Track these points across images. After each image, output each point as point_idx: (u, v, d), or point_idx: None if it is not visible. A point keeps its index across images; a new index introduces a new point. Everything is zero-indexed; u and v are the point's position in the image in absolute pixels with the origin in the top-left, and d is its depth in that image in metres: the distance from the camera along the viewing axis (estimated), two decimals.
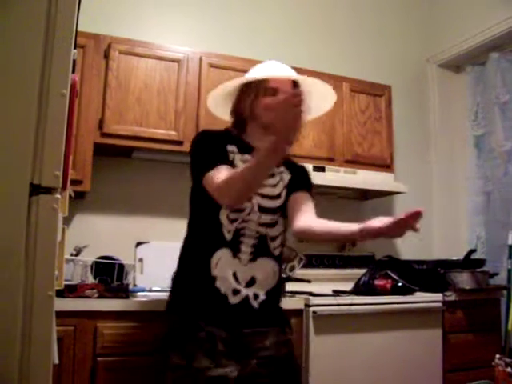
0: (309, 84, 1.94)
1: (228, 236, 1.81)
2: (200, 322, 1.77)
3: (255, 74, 1.92)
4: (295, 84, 1.92)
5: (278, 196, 1.90)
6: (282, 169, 1.95)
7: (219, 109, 2.05)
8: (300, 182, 2.00)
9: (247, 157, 1.86)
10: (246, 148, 1.89)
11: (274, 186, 1.90)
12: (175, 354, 1.76)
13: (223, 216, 1.81)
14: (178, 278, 1.95)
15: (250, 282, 1.81)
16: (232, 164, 1.83)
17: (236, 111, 1.95)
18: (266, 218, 1.86)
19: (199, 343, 1.75)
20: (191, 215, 1.97)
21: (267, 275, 1.85)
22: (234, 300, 1.78)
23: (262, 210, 1.85)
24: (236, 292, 1.78)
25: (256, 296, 1.81)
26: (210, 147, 1.87)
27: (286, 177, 1.95)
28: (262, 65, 1.98)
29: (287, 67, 1.96)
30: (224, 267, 1.79)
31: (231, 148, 1.88)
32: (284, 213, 1.93)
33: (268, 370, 1.79)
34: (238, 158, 1.87)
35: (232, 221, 1.82)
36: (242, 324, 1.80)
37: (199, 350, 1.74)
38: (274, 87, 1.85)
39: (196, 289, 1.84)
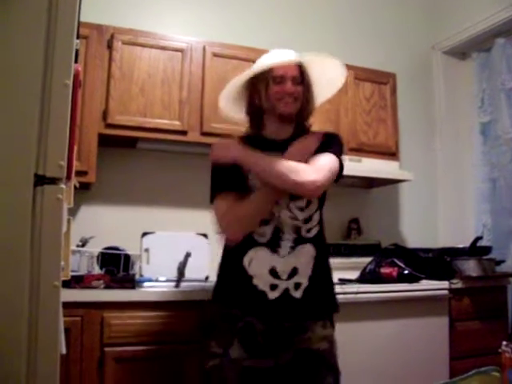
0: (316, 63, 1.92)
1: (263, 238, 1.81)
2: (239, 312, 1.79)
3: (258, 65, 1.91)
4: (301, 67, 1.89)
5: None
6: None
7: (232, 111, 2.06)
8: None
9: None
10: (264, 145, 1.86)
11: None
12: (213, 343, 1.79)
13: None
14: (220, 273, 1.95)
15: (292, 273, 1.80)
16: (247, 177, 1.84)
17: (250, 108, 1.93)
18: (301, 203, 1.84)
19: (237, 333, 1.77)
20: None
21: (307, 260, 1.84)
22: (272, 295, 1.78)
23: (294, 196, 1.83)
24: (274, 287, 1.78)
25: (298, 285, 1.80)
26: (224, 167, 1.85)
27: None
28: (265, 55, 1.97)
29: (291, 52, 1.93)
30: (259, 265, 1.79)
31: None
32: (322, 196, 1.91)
33: (305, 362, 1.79)
34: None
35: (265, 222, 1.81)
36: (281, 318, 1.79)
37: (236, 339, 1.76)
38: (281, 74, 1.84)
39: (235, 286, 1.85)
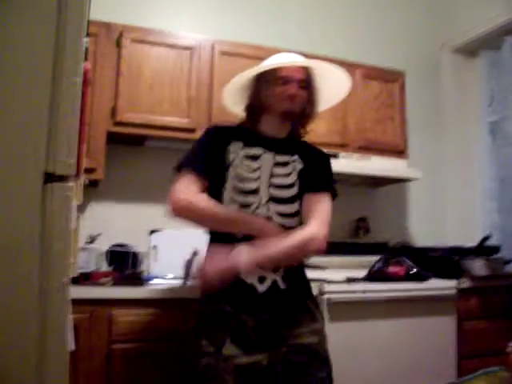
0: (322, 69, 1.94)
1: (238, 234, 1.81)
2: (230, 309, 1.79)
3: (267, 64, 1.94)
4: (307, 72, 1.91)
5: (291, 185, 1.89)
6: (296, 157, 1.93)
7: (234, 105, 2.10)
8: (312, 178, 1.92)
9: (254, 150, 1.88)
10: (255, 141, 1.91)
11: (287, 175, 1.89)
12: (205, 341, 1.78)
13: None
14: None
15: (276, 268, 1.81)
16: (230, 165, 1.86)
17: (252, 103, 1.95)
18: (282, 208, 1.85)
19: (229, 331, 1.77)
20: None
21: None
22: (261, 288, 1.79)
23: (276, 200, 1.85)
24: (262, 279, 1.79)
25: (284, 278, 1.82)
26: (209, 146, 1.91)
27: (299, 166, 1.92)
28: (275, 56, 1.99)
29: (300, 57, 1.96)
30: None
31: (235, 145, 1.90)
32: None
33: (298, 358, 1.79)
34: (241, 155, 1.87)
35: None
36: (273, 311, 1.80)
37: (229, 337, 1.76)
38: (286, 75, 1.86)
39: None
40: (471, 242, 3.25)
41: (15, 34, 1.15)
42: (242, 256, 1.71)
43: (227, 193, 1.85)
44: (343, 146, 3.24)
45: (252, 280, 1.79)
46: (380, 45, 3.86)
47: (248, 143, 1.90)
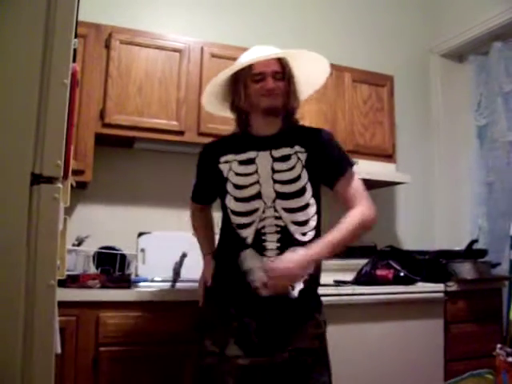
0: (295, 56, 1.90)
1: (248, 240, 1.81)
2: (234, 311, 1.79)
3: (237, 64, 1.89)
4: (282, 62, 1.87)
5: (297, 179, 1.84)
6: (297, 148, 1.87)
7: (217, 109, 2.07)
8: (326, 165, 1.89)
9: (247, 154, 1.86)
10: (246, 145, 1.89)
11: (290, 169, 1.85)
12: (209, 342, 1.78)
13: (235, 226, 1.84)
14: (214, 272, 1.96)
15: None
16: (226, 181, 1.87)
17: (234, 106, 1.92)
18: (289, 203, 1.82)
19: (232, 332, 1.77)
20: (221, 223, 1.98)
21: None
22: (265, 292, 1.75)
23: (282, 196, 1.82)
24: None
25: (293, 286, 1.79)
26: (201, 171, 2.04)
27: (303, 156, 1.87)
28: (245, 53, 1.95)
29: (271, 48, 1.91)
30: (253, 262, 1.79)
31: (226, 158, 1.89)
32: (316, 194, 1.89)
33: (299, 362, 1.79)
34: (234, 164, 1.87)
35: (245, 226, 1.82)
36: (274, 316, 1.78)
37: (232, 338, 1.76)
38: (260, 71, 1.82)
39: (228, 282, 1.86)
40: (459, 245, 3.27)
41: (3, 34, 1.15)
42: (292, 261, 1.70)
43: (230, 204, 1.85)
44: None
45: (258, 284, 1.77)
46: (369, 49, 3.87)
47: (241, 149, 1.88)
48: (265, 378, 1.78)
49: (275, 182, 1.83)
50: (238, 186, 1.84)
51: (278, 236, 1.80)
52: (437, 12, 4.13)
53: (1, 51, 1.15)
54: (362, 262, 3.04)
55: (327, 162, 1.89)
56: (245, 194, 1.83)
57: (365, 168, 3.28)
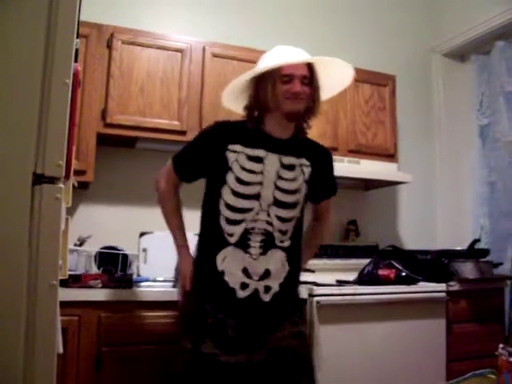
0: (325, 63, 1.90)
1: (232, 238, 1.80)
2: (209, 308, 1.79)
3: (267, 62, 1.86)
4: (310, 67, 1.86)
5: (296, 191, 1.86)
6: (303, 160, 1.89)
7: (233, 105, 2.01)
8: (323, 183, 2.00)
9: (257, 152, 1.83)
10: (258, 141, 1.85)
11: (293, 180, 1.86)
12: (186, 339, 1.78)
13: (223, 221, 1.81)
14: (193, 268, 1.94)
15: (264, 275, 1.79)
16: (228, 170, 1.82)
17: (253, 103, 1.88)
18: (282, 213, 1.83)
19: (208, 329, 1.76)
20: (202, 212, 1.96)
21: (278, 267, 1.82)
22: (242, 294, 1.77)
23: (279, 204, 1.83)
24: (245, 286, 1.77)
25: (268, 288, 1.79)
26: (202, 146, 1.93)
27: (307, 170, 1.89)
28: (273, 51, 1.93)
29: (300, 51, 1.90)
30: (232, 262, 1.78)
31: (234, 148, 1.84)
32: (302, 208, 1.92)
33: (278, 360, 1.79)
34: (242, 157, 1.83)
35: (234, 222, 1.80)
36: (250, 317, 1.79)
37: (207, 335, 1.75)
38: (289, 73, 1.80)
39: (205, 281, 1.85)
40: (461, 245, 3.27)
41: (5, 34, 1.15)
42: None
43: (226, 196, 1.82)
44: (334, 150, 3.23)
45: (234, 285, 1.77)
46: (371, 49, 3.86)
47: (251, 144, 1.84)
48: (242, 377, 1.77)
49: (277, 188, 1.83)
50: (241, 181, 1.81)
51: (263, 238, 1.80)
52: (438, 11, 4.13)
53: (3, 51, 1.15)
54: (364, 261, 3.04)
55: (326, 182, 2.00)
56: (246, 191, 1.81)
57: (366, 168, 3.28)
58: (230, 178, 1.82)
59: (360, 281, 2.89)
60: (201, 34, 3.15)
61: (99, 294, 2.29)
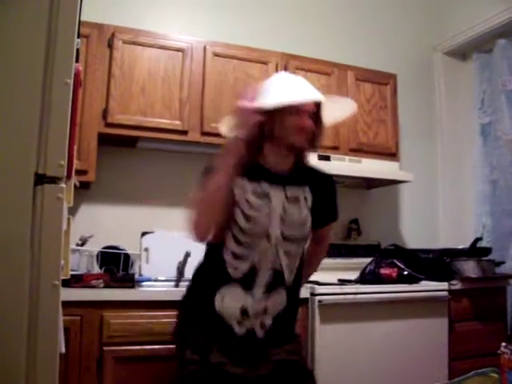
0: (332, 104, 1.87)
1: (236, 273, 1.74)
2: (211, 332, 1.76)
3: (277, 95, 1.78)
4: (316, 102, 1.82)
5: (303, 224, 1.82)
6: (306, 188, 1.85)
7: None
8: (325, 210, 1.94)
9: (262, 187, 1.78)
10: (260, 174, 1.80)
11: (299, 212, 1.81)
12: (189, 350, 1.74)
13: (228, 255, 1.75)
14: (191, 296, 1.88)
15: (262, 313, 1.75)
16: (235, 205, 1.75)
17: (258, 133, 1.78)
18: (291, 248, 1.79)
19: (215, 339, 1.73)
20: (206, 244, 1.88)
21: (278, 304, 1.78)
22: (239, 330, 1.73)
23: (287, 239, 1.78)
24: (241, 323, 1.73)
25: (262, 324, 1.75)
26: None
27: (309, 198, 1.85)
28: (279, 81, 1.87)
29: (308, 84, 1.85)
30: (230, 303, 1.73)
31: (241, 183, 1.77)
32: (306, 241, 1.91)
33: (285, 372, 1.77)
34: (248, 195, 1.76)
35: (241, 258, 1.75)
36: (249, 349, 1.75)
37: (215, 345, 1.72)
38: (299, 107, 1.75)
39: (203, 315, 1.78)
40: (463, 243, 3.27)
41: (6, 34, 1.15)
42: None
43: (235, 231, 1.75)
44: (335, 149, 3.24)
45: (232, 322, 1.73)
46: (372, 47, 3.86)
47: (253, 177, 1.78)
48: None
49: (283, 222, 1.78)
50: (248, 218, 1.75)
51: (270, 276, 1.76)
52: (440, 10, 4.12)
53: (4, 51, 1.15)
54: (366, 260, 3.04)
55: (328, 208, 1.96)
56: (253, 229, 1.75)
57: (368, 166, 3.28)
58: (238, 214, 1.75)
59: (362, 280, 2.89)
60: (202, 34, 3.15)
61: (101, 294, 2.29)
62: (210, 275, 1.81)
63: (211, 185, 1.69)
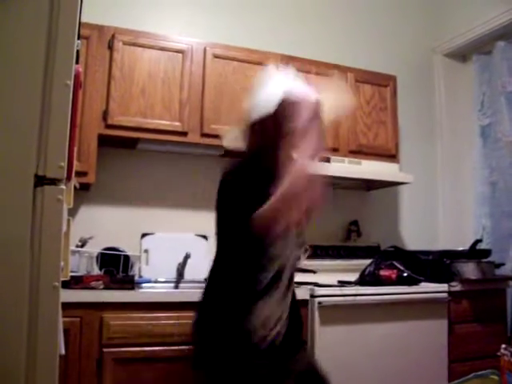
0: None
1: (267, 277, 1.70)
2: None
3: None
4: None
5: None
6: None
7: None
8: None
9: None
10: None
11: None
12: None
13: (265, 277, 1.71)
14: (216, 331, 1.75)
15: (277, 322, 1.74)
16: None
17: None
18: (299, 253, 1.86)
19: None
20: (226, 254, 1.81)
21: (286, 309, 1.79)
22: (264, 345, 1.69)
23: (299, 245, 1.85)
24: (263, 339, 1.69)
25: (278, 334, 1.73)
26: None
27: None
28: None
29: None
30: (269, 310, 1.72)
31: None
32: None
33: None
34: None
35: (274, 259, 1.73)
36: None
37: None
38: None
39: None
40: (463, 245, 3.27)
41: (6, 36, 1.15)
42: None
43: (291, 243, 1.76)
44: (335, 150, 3.24)
45: (259, 341, 1.69)
46: (372, 49, 3.86)
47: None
48: None
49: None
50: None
51: (288, 281, 1.79)
52: (440, 12, 4.12)
53: (4, 53, 1.15)
54: (366, 262, 3.04)
55: None
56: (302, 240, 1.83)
57: (368, 168, 3.28)
58: None
59: (361, 281, 2.89)
60: (202, 35, 3.15)
61: (101, 296, 2.29)
62: (240, 295, 1.73)
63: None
